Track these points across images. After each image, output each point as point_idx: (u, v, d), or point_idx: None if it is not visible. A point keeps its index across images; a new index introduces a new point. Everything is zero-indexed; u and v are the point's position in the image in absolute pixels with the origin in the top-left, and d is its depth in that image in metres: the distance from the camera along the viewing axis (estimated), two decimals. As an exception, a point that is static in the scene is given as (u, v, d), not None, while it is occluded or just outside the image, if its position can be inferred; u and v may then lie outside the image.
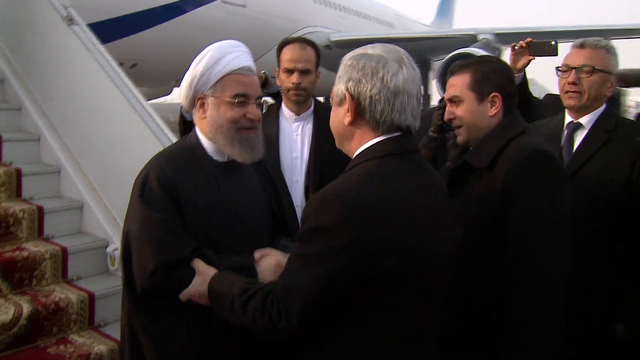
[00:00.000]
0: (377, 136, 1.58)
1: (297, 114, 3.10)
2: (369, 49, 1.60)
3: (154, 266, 1.80)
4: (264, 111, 2.07)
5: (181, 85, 2.02)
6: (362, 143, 1.60)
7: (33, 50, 4.37)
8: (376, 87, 1.54)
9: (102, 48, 3.86)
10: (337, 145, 1.71)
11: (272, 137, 3.01)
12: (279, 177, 2.33)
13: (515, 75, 2.86)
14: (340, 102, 1.62)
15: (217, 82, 1.96)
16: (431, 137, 3.01)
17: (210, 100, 1.98)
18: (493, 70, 2.09)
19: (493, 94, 2.06)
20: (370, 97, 1.54)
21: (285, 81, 3.01)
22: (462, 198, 2.01)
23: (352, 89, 1.57)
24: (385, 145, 1.57)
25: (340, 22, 20.60)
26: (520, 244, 1.89)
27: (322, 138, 2.99)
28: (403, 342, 1.54)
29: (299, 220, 1.66)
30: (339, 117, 1.64)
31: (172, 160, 1.97)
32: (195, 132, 2.08)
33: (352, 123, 1.60)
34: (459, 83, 2.11)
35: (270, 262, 1.89)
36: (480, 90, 2.07)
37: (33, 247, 3.55)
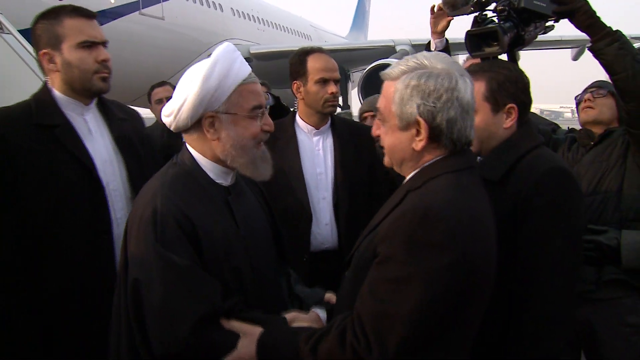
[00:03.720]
0: (447, 151, 1.52)
1: (317, 127, 2.92)
2: (426, 62, 1.51)
3: (192, 325, 1.52)
4: None
5: (179, 104, 1.70)
6: (428, 160, 1.53)
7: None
8: (453, 108, 1.47)
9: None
10: (395, 167, 1.62)
11: (292, 153, 2.84)
12: (266, 194, 2.15)
13: (436, 40, 2.84)
14: (407, 127, 1.51)
15: (231, 95, 1.70)
16: None
17: (224, 118, 1.70)
18: (509, 79, 1.95)
19: (509, 105, 1.94)
20: (448, 120, 1.48)
21: (320, 92, 2.80)
22: None
23: (426, 114, 1.47)
24: (457, 159, 1.52)
25: (259, 34, 20.60)
26: (527, 266, 1.79)
27: (345, 151, 2.86)
28: None
29: (383, 237, 1.44)
30: (404, 142, 1.53)
31: (178, 190, 1.69)
32: (188, 153, 1.79)
33: (424, 147, 1.51)
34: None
35: (303, 325, 1.70)
36: (496, 100, 1.94)
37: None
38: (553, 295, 1.79)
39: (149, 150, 2.49)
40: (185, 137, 1.79)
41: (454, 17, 2.66)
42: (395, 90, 1.51)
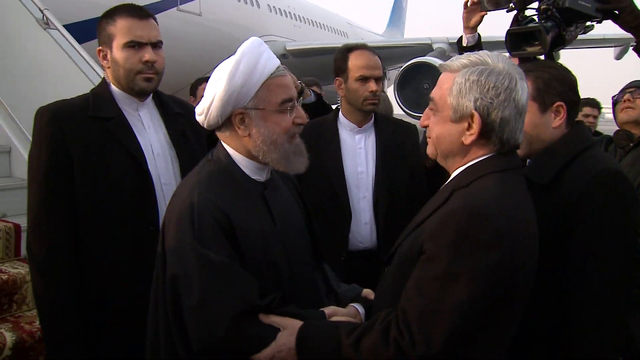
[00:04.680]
0: (494, 150, 1.54)
1: (360, 125, 2.91)
2: (489, 60, 1.52)
3: (230, 321, 1.54)
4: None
5: (208, 102, 1.71)
6: (475, 157, 1.54)
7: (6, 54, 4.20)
8: (509, 108, 1.49)
9: (80, 49, 3.76)
10: (439, 159, 1.63)
11: (334, 151, 2.85)
12: (300, 189, 2.13)
13: (469, 35, 2.80)
14: (460, 119, 1.52)
15: (259, 90, 1.69)
16: None
17: (253, 113, 1.70)
18: (555, 78, 1.92)
19: (557, 103, 1.90)
20: (502, 119, 1.49)
21: (360, 89, 2.80)
22: None
23: (482, 109, 1.48)
24: (503, 159, 1.54)
25: (295, 31, 20.61)
26: (579, 272, 1.75)
27: (387, 151, 2.85)
28: None
29: (430, 236, 1.45)
30: (454, 134, 1.54)
31: (214, 187, 1.69)
32: (223, 150, 1.79)
33: (473, 142, 1.53)
34: None
35: (341, 319, 1.69)
36: (543, 99, 1.90)
37: (11, 269, 3.32)
38: (606, 303, 1.75)
39: (203, 144, 2.53)
40: (219, 135, 1.80)
41: (487, 13, 2.63)
42: (454, 83, 1.52)
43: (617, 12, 2.18)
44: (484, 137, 1.51)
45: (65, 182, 2.15)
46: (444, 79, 1.57)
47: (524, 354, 1.79)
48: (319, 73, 11.89)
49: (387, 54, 19.31)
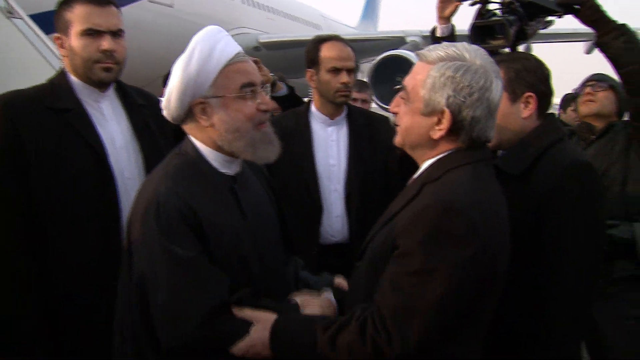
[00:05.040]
0: (463, 144, 1.52)
1: (332, 118, 2.88)
2: (466, 55, 1.49)
3: (201, 318, 1.50)
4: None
5: (168, 95, 1.69)
6: (444, 150, 1.53)
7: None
8: (481, 107, 1.47)
9: (47, 40, 3.66)
10: (406, 148, 1.61)
11: (306, 143, 2.82)
12: (272, 181, 2.09)
13: (443, 26, 2.76)
14: (430, 113, 1.49)
15: (216, 78, 1.65)
16: None
17: (214, 102, 1.66)
18: (527, 69, 1.94)
19: (527, 93, 1.92)
20: (472, 118, 1.47)
21: (332, 81, 2.77)
22: None
23: (454, 107, 1.46)
24: (473, 152, 1.53)
25: (268, 23, 20.50)
26: (553, 263, 1.78)
27: (360, 143, 2.82)
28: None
29: (405, 231, 1.43)
30: (423, 127, 1.52)
31: (182, 182, 1.64)
32: (191, 143, 1.74)
33: (441, 137, 1.51)
34: None
35: (314, 308, 1.67)
36: (514, 89, 1.92)
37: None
38: (577, 294, 1.78)
39: (169, 137, 2.45)
40: (185, 128, 1.76)
41: (462, 3, 2.64)
42: (429, 76, 1.49)
43: (577, 6, 2.22)
44: (453, 133, 1.50)
45: (20, 177, 2.06)
46: (418, 69, 1.55)
47: (499, 347, 1.79)
48: (292, 65, 11.84)
49: (361, 47, 19.28)
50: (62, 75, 2.25)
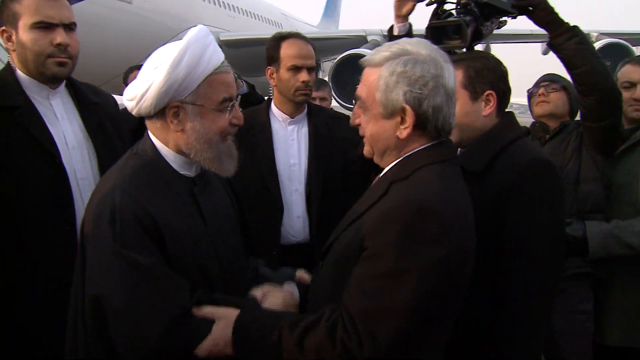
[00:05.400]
0: (431, 140, 1.51)
1: (292, 116, 2.83)
2: (410, 48, 1.47)
3: (163, 328, 1.43)
4: None
5: (143, 90, 1.57)
6: (413, 149, 1.51)
7: None
8: (439, 95, 1.45)
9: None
10: (376, 157, 1.57)
11: (265, 142, 2.76)
12: (232, 181, 2.01)
13: (400, 24, 2.74)
14: (392, 114, 1.47)
15: (200, 85, 1.57)
16: None
17: (190, 109, 1.58)
18: (487, 67, 1.94)
19: (487, 92, 1.93)
20: (434, 107, 1.45)
21: (292, 79, 2.72)
22: None
23: (412, 101, 1.44)
24: (440, 150, 1.51)
25: (229, 21, 20.35)
26: (513, 258, 1.78)
27: (320, 142, 2.78)
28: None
29: (368, 232, 1.40)
30: (388, 130, 1.49)
31: (139, 184, 1.56)
32: (150, 142, 1.66)
33: (408, 135, 1.48)
34: None
35: (276, 300, 1.64)
36: (475, 88, 1.92)
37: None
38: (537, 292, 1.78)
39: (123, 136, 2.37)
40: (148, 124, 1.68)
41: (419, 1, 2.62)
42: (380, 77, 1.47)
43: (531, 8, 2.25)
44: (420, 128, 1.48)
45: None
46: (368, 75, 1.52)
47: (462, 347, 1.79)
48: (253, 64, 11.76)
49: (322, 46, 19.32)
50: (8, 70, 2.15)
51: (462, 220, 1.44)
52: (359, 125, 1.58)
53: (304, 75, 2.72)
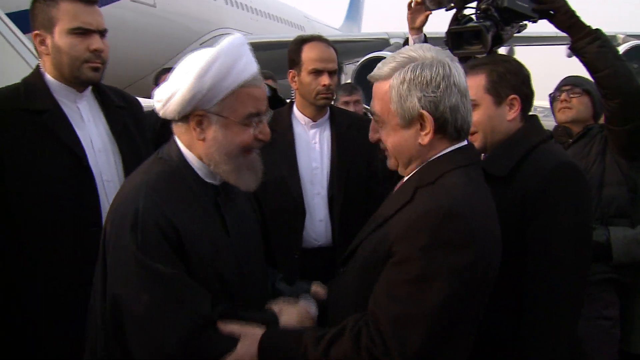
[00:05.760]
0: (453, 144, 1.50)
1: (314, 120, 2.79)
2: (415, 54, 1.48)
3: (180, 337, 1.42)
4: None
5: (169, 94, 1.55)
6: (435, 154, 1.50)
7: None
8: (453, 94, 1.45)
9: (24, 38, 3.60)
10: (401, 168, 1.56)
11: (288, 146, 2.73)
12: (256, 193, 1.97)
13: (414, 36, 2.74)
14: (410, 123, 1.47)
15: (227, 96, 1.54)
16: None
17: (215, 120, 1.55)
18: (510, 71, 1.92)
19: (511, 96, 1.91)
20: (451, 108, 1.45)
21: (313, 83, 2.68)
22: None
23: (429, 105, 1.44)
24: (463, 154, 1.51)
25: (252, 24, 20.49)
26: (538, 263, 1.76)
27: (343, 145, 2.74)
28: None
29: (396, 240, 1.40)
30: (409, 139, 1.49)
31: (162, 191, 1.54)
32: (176, 148, 1.64)
33: (430, 141, 1.48)
34: (473, 85, 1.89)
35: (291, 317, 1.63)
36: (498, 92, 1.90)
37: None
38: (562, 297, 1.76)
39: (147, 139, 2.39)
40: (174, 128, 1.65)
41: (432, 12, 2.62)
42: (391, 89, 1.46)
43: (552, 12, 2.22)
44: (440, 131, 1.47)
45: None
46: (378, 88, 1.52)
47: (485, 351, 1.76)
48: (275, 67, 11.81)
49: (344, 49, 19.35)
50: (37, 74, 2.17)
51: (488, 225, 1.44)
52: (378, 140, 1.58)
53: (325, 79, 2.69)
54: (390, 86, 1.47)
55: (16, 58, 3.60)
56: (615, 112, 2.42)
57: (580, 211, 1.80)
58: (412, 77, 1.44)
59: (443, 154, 1.50)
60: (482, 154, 2.01)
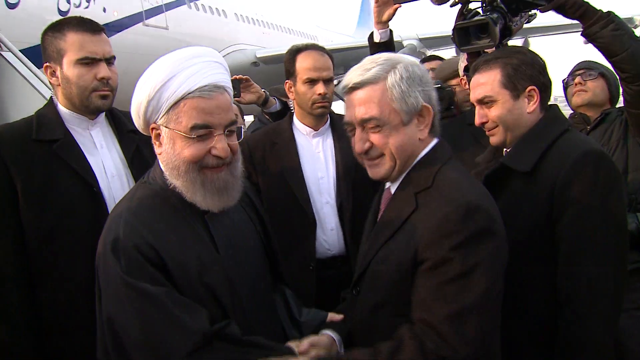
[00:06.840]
0: (432, 139, 1.60)
1: (315, 129, 2.79)
2: (393, 56, 1.56)
3: (185, 353, 1.40)
4: (240, 138, 1.68)
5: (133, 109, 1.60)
6: (421, 151, 1.58)
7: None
8: (433, 89, 1.57)
9: (38, 71, 3.67)
10: (402, 168, 1.58)
11: (292, 157, 2.72)
12: (257, 201, 1.96)
13: (381, 31, 2.71)
14: (409, 119, 1.52)
15: (170, 108, 1.51)
16: None
17: (164, 132, 1.54)
18: (524, 62, 1.88)
19: (529, 87, 1.87)
20: (435, 100, 1.57)
21: (308, 92, 2.68)
22: (501, 206, 1.62)
23: (427, 99, 1.55)
24: (442, 150, 1.59)
25: (264, 38, 20.55)
26: (572, 256, 1.73)
27: (345, 152, 2.68)
28: None
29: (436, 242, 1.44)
30: (412, 135, 1.55)
31: (143, 215, 1.52)
32: (159, 170, 1.62)
33: (425, 135, 1.58)
34: (488, 81, 1.88)
35: (320, 352, 1.59)
36: (515, 86, 1.87)
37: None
38: (602, 287, 1.71)
39: None
40: (155, 149, 1.63)
41: (401, 6, 2.59)
42: (389, 88, 1.49)
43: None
44: (432, 124, 1.57)
45: (10, 211, 2.03)
46: (369, 93, 1.52)
47: (521, 347, 1.79)
48: (290, 78, 11.81)
49: (358, 54, 19.25)
50: (50, 105, 2.23)
51: (494, 206, 1.52)
52: (369, 148, 1.57)
53: (320, 88, 2.67)
54: (387, 87, 1.50)
55: (32, 92, 3.68)
56: (635, 94, 2.34)
57: (612, 199, 1.75)
58: (408, 74, 1.50)
59: (425, 155, 1.55)
60: (504, 149, 1.98)
